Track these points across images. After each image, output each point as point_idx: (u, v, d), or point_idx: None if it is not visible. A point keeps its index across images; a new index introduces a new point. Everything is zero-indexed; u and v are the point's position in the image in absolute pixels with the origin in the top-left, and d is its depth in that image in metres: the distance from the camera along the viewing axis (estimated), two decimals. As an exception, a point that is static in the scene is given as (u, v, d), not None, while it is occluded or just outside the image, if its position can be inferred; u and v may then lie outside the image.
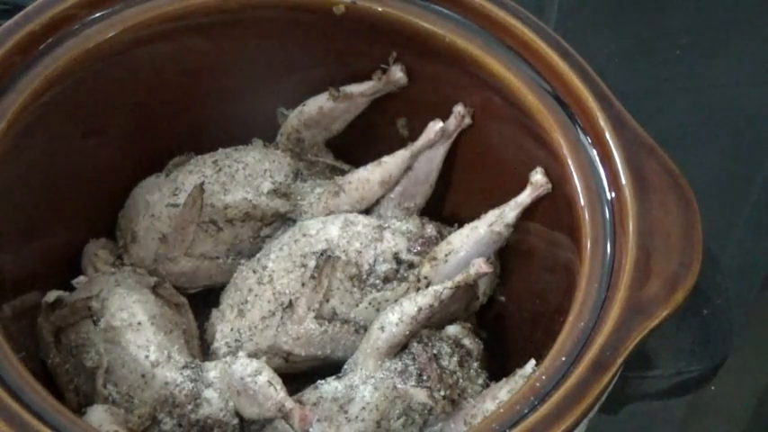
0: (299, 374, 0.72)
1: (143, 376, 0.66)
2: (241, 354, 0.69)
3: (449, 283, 0.68)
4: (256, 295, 0.71)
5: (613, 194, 0.65)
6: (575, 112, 0.68)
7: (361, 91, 0.78)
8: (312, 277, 0.70)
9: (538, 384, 0.57)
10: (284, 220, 0.76)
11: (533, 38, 0.70)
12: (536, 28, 0.71)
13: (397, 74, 0.76)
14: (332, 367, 0.70)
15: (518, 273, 0.75)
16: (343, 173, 0.79)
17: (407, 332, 0.67)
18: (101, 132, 0.75)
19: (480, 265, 0.68)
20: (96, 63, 0.71)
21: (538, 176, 0.70)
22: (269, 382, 0.63)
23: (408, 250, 0.72)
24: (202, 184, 0.74)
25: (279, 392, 0.63)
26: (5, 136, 0.65)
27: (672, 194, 0.64)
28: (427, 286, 0.70)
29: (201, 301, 0.76)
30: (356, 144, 0.81)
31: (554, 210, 0.70)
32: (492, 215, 0.71)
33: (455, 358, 0.68)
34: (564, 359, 0.58)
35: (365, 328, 0.70)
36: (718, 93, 1.07)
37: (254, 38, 0.76)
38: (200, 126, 0.80)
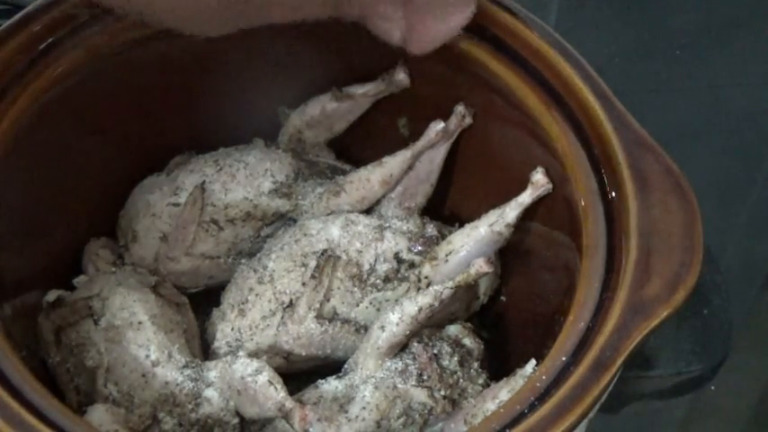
0: (300, 374, 0.72)
1: (143, 376, 0.66)
2: (241, 353, 0.69)
3: (449, 283, 0.68)
4: (257, 295, 0.71)
5: (614, 194, 0.65)
6: (575, 111, 0.68)
7: (364, 92, 0.78)
8: (313, 277, 0.70)
9: (538, 384, 0.57)
10: (285, 220, 0.76)
11: (534, 37, 0.70)
12: (536, 27, 0.71)
13: (400, 75, 0.76)
14: (332, 367, 0.71)
15: (518, 272, 0.75)
16: (344, 173, 0.79)
17: (408, 332, 0.67)
18: (102, 132, 0.75)
19: (481, 265, 0.68)
20: (97, 63, 0.71)
21: (538, 176, 0.70)
22: (269, 381, 0.63)
23: (409, 250, 0.72)
24: (203, 183, 0.74)
25: (279, 392, 0.63)
26: (6, 136, 0.65)
27: (672, 194, 0.64)
28: (428, 286, 0.70)
29: (202, 300, 0.76)
30: (357, 144, 0.81)
31: (554, 210, 0.70)
32: (493, 215, 0.71)
33: (455, 358, 0.68)
34: (564, 359, 0.58)
35: (366, 328, 0.70)
36: (719, 93, 1.07)
37: (255, 37, 0.76)
38: (201, 125, 0.79)
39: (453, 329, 0.70)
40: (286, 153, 0.78)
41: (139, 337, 0.67)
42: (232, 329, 0.71)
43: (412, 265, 0.72)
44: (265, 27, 0.75)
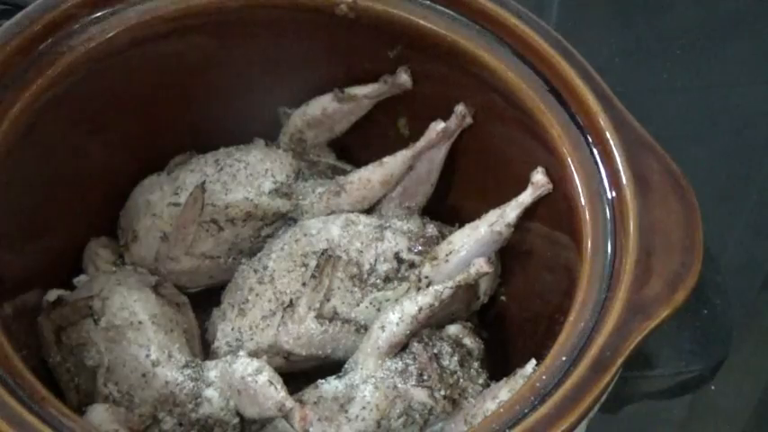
0: (300, 374, 0.72)
1: (144, 375, 0.66)
2: (242, 353, 0.69)
3: (449, 283, 0.68)
4: (257, 294, 0.71)
5: (614, 194, 0.65)
6: (575, 111, 0.68)
7: (366, 93, 0.77)
8: (313, 277, 0.70)
9: (538, 384, 0.57)
10: (285, 220, 0.76)
11: (534, 37, 0.70)
12: (537, 27, 0.71)
13: (403, 77, 0.76)
14: (332, 367, 0.70)
15: (519, 272, 0.75)
16: (344, 173, 0.79)
17: (408, 332, 0.67)
18: (102, 132, 0.75)
19: (481, 265, 0.68)
20: (97, 63, 0.71)
21: (539, 176, 0.70)
22: (269, 381, 0.63)
23: (409, 250, 0.72)
24: (203, 183, 0.74)
25: (279, 392, 0.63)
26: (7, 136, 0.65)
27: (672, 194, 0.64)
28: (428, 286, 0.70)
29: (202, 300, 0.76)
30: (357, 144, 0.81)
31: (555, 210, 0.70)
32: (493, 215, 0.71)
33: (456, 358, 0.68)
34: (564, 359, 0.58)
35: (366, 328, 0.70)
36: (719, 93, 1.07)
37: (255, 37, 0.76)
38: (202, 125, 0.79)
39: (453, 329, 0.70)
40: (286, 153, 0.78)
41: (139, 336, 0.67)
42: (232, 329, 0.71)
43: (412, 265, 0.72)
44: (265, 27, 0.76)
